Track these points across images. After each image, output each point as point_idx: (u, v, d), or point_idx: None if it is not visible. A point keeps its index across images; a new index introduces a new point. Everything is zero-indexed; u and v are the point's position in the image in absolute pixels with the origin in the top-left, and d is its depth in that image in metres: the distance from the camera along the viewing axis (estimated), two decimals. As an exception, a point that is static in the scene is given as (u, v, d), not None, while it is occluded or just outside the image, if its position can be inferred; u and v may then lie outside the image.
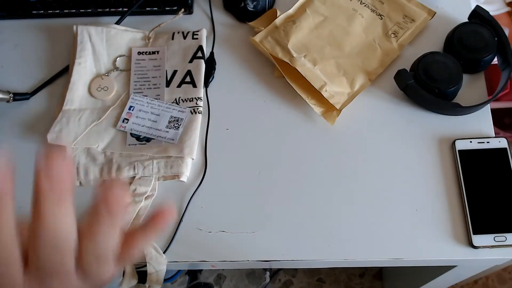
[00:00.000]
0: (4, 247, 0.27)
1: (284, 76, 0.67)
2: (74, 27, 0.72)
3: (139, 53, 0.71)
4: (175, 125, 0.65)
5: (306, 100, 0.66)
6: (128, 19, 0.74)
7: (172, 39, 0.71)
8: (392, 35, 0.71)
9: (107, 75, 0.69)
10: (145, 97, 0.67)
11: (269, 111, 0.68)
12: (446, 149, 0.64)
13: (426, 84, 0.64)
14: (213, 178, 0.64)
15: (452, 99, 0.66)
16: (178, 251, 0.60)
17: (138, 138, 0.64)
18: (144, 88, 0.68)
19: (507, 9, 1.07)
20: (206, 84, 0.69)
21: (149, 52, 0.71)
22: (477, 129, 0.65)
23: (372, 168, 0.63)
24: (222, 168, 0.64)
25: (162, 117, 0.65)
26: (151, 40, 0.72)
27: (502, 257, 0.58)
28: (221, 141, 0.66)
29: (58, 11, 0.75)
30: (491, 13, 0.68)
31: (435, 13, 0.72)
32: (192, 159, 0.63)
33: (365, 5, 0.73)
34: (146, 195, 0.61)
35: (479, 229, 0.58)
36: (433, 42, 0.71)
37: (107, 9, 0.75)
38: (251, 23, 0.73)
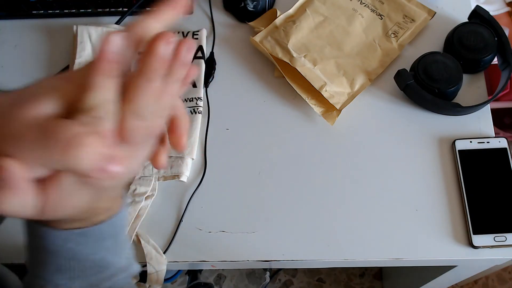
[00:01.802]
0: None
1: (284, 76, 0.67)
2: (74, 27, 0.72)
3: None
4: (175, 125, 0.65)
5: (306, 100, 0.66)
6: (128, 19, 0.74)
7: (172, 39, 0.71)
8: (392, 35, 0.71)
9: (107, 75, 0.69)
10: (145, 97, 0.67)
11: (269, 111, 0.68)
12: (446, 149, 0.64)
13: (426, 84, 0.64)
14: (213, 178, 0.64)
15: (452, 99, 0.66)
16: (178, 251, 0.60)
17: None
18: (144, 88, 0.68)
19: (507, 9, 1.07)
20: (206, 84, 0.69)
21: (149, 52, 0.70)
22: (477, 129, 0.65)
23: (372, 168, 0.63)
24: (222, 168, 0.64)
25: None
26: (151, 40, 0.72)
27: (502, 257, 0.58)
28: (221, 141, 0.66)
29: (58, 11, 0.75)
30: (491, 13, 0.68)
31: (435, 13, 0.72)
32: (192, 159, 0.63)
33: (365, 5, 0.73)
34: (146, 195, 0.61)
35: (479, 229, 0.58)
36: (433, 42, 0.71)
37: (107, 9, 0.75)
38: (251, 23, 0.73)
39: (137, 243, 0.59)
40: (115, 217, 0.37)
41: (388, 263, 0.59)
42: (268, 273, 1.24)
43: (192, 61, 0.69)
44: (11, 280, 0.51)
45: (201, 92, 0.68)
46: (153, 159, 0.35)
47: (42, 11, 0.75)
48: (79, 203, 0.30)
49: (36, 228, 0.34)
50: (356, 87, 0.67)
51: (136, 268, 0.43)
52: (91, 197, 0.31)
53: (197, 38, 0.71)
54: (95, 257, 0.37)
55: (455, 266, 0.70)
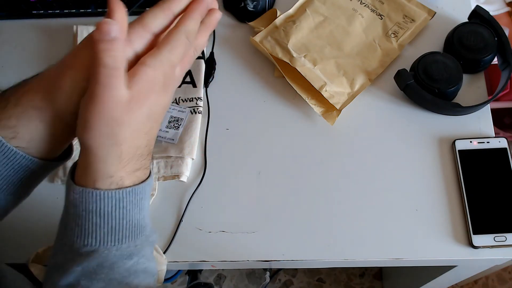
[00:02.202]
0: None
1: (284, 76, 0.67)
2: (74, 27, 0.72)
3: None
4: (175, 125, 0.65)
5: (306, 100, 0.66)
6: (128, 19, 0.73)
7: (172, 39, 0.71)
8: (392, 35, 0.71)
9: (107, 75, 0.69)
10: (145, 97, 0.67)
11: (269, 111, 0.68)
12: (446, 149, 0.64)
13: (426, 84, 0.64)
14: (213, 178, 0.64)
15: (452, 99, 0.66)
16: (178, 251, 0.60)
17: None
18: (144, 88, 0.68)
19: (507, 9, 1.07)
20: (206, 84, 0.69)
21: (149, 52, 0.70)
22: (477, 129, 0.65)
23: (372, 168, 0.63)
24: (222, 168, 0.64)
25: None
26: (151, 40, 0.72)
27: (502, 257, 0.58)
28: (221, 141, 0.66)
29: (58, 11, 0.75)
30: (491, 13, 0.68)
31: (435, 13, 0.72)
32: (192, 159, 0.63)
33: (365, 5, 0.73)
34: (146, 195, 0.61)
35: (479, 229, 0.58)
36: (433, 42, 0.71)
37: (107, 9, 0.74)
38: (251, 23, 0.73)
39: (137, 243, 0.59)
40: (150, 178, 0.41)
41: (388, 263, 0.59)
42: (268, 273, 1.24)
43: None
44: (9, 278, 0.51)
45: (201, 92, 0.68)
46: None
47: (42, 11, 0.75)
48: (150, 114, 0.38)
49: (91, 193, 0.37)
50: (356, 87, 0.67)
51: (156, 237, 0.46)
52: (153, 116, 0.39)
53: (197, 38, 0.71)
54: (138, 217, 0.40)
55: (455, 266, 0.70)
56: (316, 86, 0.65)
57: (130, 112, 0.37)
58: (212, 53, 0.72)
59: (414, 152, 0.64)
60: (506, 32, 0.74)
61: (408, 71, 0.66)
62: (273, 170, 0.64)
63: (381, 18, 0.72)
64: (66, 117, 0.39)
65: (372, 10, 0.73)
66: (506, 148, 0.62)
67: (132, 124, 0.37)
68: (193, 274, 1.14)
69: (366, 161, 0.64)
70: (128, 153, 0.38)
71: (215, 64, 0.71)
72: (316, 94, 0.66)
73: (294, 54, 0.67)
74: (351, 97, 0.66)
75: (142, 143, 0.39)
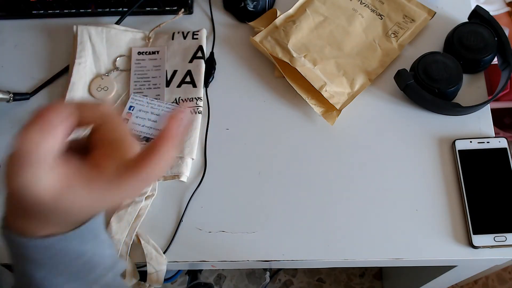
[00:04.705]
0: None
1: (284, 76, 0.67)
2: (74, 27, 0.72)
3: (139, 53, 0.71)
4: (175, 125, 0.65)
5: (306, 100, 0.66)
6: (128, 19, 0.74)
7: (172, 39, 0.71)
8: (392, 35, 0.71)
9: (107, 75, 0.69)
10: (145, 97, 0.67)
11: (269, 111, 0.68)
12: (446, 149, 0.64)
13: (426, 84, 0.64)
14: (213, 178, 0.64)
15: (452, 99, 0.66)
16: (178, 251, 0.60)
17: (138, 138, 0.64)
18: (144, 88, 0.68)
19: (507, 9, 1.07)
20: (206, 84, 0.69)
21: (149, 52, 0.71)
22: (477, 129, 0.65)
23: (372, 168, 0.63)
24: (222, 168, 0.64)
25: (162, 117, 0.65)
26: (151, 40, 0.72)
27: (502, 257, 0.58)
28: (221, 141, 0.66)
29: (58, 11, 0.75)
30: (491, 13, 0.68)
31: (435, 13, 0.72)
32: (192, 159, 0.63)
33: (365, 5, 0.73)
34: (146, 195, 0.61)
35: (479, 229, 0.58)
36: (433, 42, 0.71)
37: (107, 9, 0.75)
38: (251, 23, 0.73)
39: (137, 243, 0.59)
40: (94, 218, 0.36)
41: (388, 263, 0.59)
42: (268, 273, 1.24)
43: (192, 61, 0.70)
44: (6, 279, 0.51)
45: (201, 92, 0.68)
46: None
47: (42, 11, 0.75)
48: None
49: (16, 239, 0.33)
50: (356, 87, 0.67)
51: (123, 265, 0.42)
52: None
53: (197, 38, 0.71)
54: (80, 261, 0.36)
55: (455, 266, 0.70)
56: (316, 86, 0.65)
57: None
58: (212, 53, 0.72)
59: (414, 152, 0.64)
60: (506, 32, 0.74)
61: (408, 71, 0.66)
62: (273, 170, 0.64)
63: (381, 18, 0.72)
64: None
65: (372, 10, 0.73)
66: (506, 148, 0.62)
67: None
68: (193, 274, 1.14)
69: (366, 161, 0.64)
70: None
71: (215, 64, 0.71)
72: (316, 94, 0.66)
73: (294, 54, 0.67)
74: (351, 97, 0.66)
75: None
